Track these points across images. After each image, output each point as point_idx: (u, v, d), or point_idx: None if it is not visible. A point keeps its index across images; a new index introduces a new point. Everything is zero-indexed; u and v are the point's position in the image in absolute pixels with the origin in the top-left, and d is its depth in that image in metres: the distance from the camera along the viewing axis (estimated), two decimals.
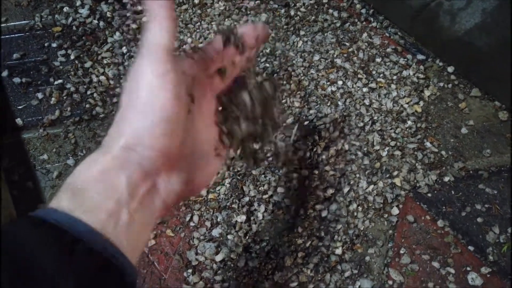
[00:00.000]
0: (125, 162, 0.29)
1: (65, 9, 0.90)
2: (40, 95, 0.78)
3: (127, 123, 0.30)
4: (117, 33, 0.86)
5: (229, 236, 0.66)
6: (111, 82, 0.80)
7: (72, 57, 0.83)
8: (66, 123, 0.76)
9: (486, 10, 0.73)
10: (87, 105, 0.78)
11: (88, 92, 0.79)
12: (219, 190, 0.70)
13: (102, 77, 0.80)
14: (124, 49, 0.84)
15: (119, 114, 0.31)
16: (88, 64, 0.82)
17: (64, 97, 0.79)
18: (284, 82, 0.80)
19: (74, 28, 0.88)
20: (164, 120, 0.30)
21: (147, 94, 0.31)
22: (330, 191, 0.69)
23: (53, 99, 0.78)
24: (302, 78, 0.81)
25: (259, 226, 0.66)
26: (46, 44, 0.85)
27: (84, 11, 0.89)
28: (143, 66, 0.31)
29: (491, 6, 0.73)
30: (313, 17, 0.90)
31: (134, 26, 0.87)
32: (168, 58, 0.31)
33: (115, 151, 0.29)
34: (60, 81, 0.80)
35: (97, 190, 0.27)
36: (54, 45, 0.85)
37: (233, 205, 0.68)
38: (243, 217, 0.67)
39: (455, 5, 0.77)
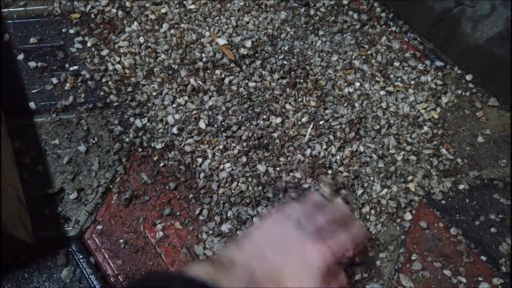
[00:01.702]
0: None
1: None
2: (54, 80, 0.78)
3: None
4: (135, 23, 0.86)
5: (239, 232, 0.65)
6: (127, 71, 0.79)
7: (88, 44, 0.83)
8: (79, 109, 0.75)
9: (510, 19, 0.72)
10: (101, 93, 0.77)
11: (103, 80, 0.78)
12: (229, 186, 0.69)
13: (118, 66, 0.80)
14: (141, 39, 0.83)
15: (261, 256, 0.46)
16: (104, 52, 0.82)
17: (79, 84, 0.78)
18: (301, 80, 0.79)
19: (92, 15, 0.87)
20: None
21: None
22: (343, 192, 0.68)
23: (67, 84, 0.77)
24: (320, 77, 0.80)
25: None
26: (63, 30, 0.85)
27: None
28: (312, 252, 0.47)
29: None
30: (333, 18, 0.89)
31: (152, 16, 0.86)
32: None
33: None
34: (75, 67, 0.80)
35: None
36: (71, 31, 0.85)
37: (244, 201, 0.67)
38: (252, 212, 0.66)
39: (478, 12, 0.76)
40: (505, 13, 0.73)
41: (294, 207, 0.53)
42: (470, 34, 0.79)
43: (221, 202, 0.67)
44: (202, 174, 0.70)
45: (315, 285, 0.45)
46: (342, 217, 0.53)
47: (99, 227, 0.64)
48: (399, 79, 0.82)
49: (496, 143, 0.76)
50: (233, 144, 0.72)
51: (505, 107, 0.80)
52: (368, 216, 0.67)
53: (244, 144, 0.72)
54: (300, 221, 0.50)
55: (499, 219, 0.69)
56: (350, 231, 0.51)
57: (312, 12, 0.90)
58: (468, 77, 0.83)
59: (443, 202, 0.70)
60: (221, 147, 0.71)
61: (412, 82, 0.81)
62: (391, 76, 0.82)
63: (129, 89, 0.77)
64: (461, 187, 0.71)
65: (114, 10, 0.88)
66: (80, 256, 0.62)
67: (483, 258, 0.65)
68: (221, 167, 0.70)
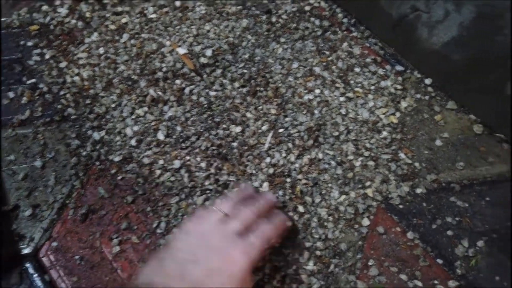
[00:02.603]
0: None
1: (44, 7, 0.89)
2: (11, 94, 0.77)
3: None
4: (95, 34, 0.85)
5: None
6: (86, 83, 0.79)
7: (47, 56, 0.82)
8: (36, 123, 0.74)
9: (463, 24, 0.74)
10: (59, 106, 0.76)
11: (61, 93, 0.78)
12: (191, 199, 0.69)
13: (76, 78, 0.79)
14: (101, 50, 0.83)
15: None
16: (63, 64, 0.81)
17: (36, 97, 0.77)
18: (261, 88, 0.79)
19: (51, 27, 0.86)
20: None
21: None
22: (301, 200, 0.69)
23: (24, 98, 0.77)
24: (280, 85, 0.80)
25: None
26: (21, 43, 0.84)
27: (63, 10, 0.88)
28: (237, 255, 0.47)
29: (467, 20, 0.73)
30: (294, 25, 0.89)
31: (113, 27, 0.86)
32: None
33: None
34: (33, 80, 0.79)
35: None
36: (29, 43, 0.84)
37: None
38: None
39: (433, 18, 0.77)
40: (458, 18, 0.74)
41: (222, 201, 0.55)
42: (427, 39, 0.80)
43: (180, 214, 0.67)
44: (160, 187, 0.69)
45: (239, 285, 0.46)
46: (267, 207, 0.57)
47: (54, 243, 0.64)
48: (359, 84, 0.82)
49: (453, 146, 0.77)
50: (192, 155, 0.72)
51: (463, 110, 0.82)
52: (326, 223, 0.67)
53: (203, 154, 0.72)
54: (226, 216, 0.52)
55: (456, 221, 0.70)
56: (273, 221, 0.55)
57: (274, 19, 0.90)
58: (428, 81, 0.84)
59: (401, 206, 0.71)
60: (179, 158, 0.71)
61: (372, 87, 0.82)
62: (351, 82, 0.82)
63: (88, 101, 0.77)
64: (418, 191, 0.72)
65: (74, 21, 0.87)
66: (35, 274, 0.61)
67: (439, 261, 0.66)
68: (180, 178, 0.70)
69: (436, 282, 0.64)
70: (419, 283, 0.64)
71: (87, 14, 0.88)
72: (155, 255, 0.50)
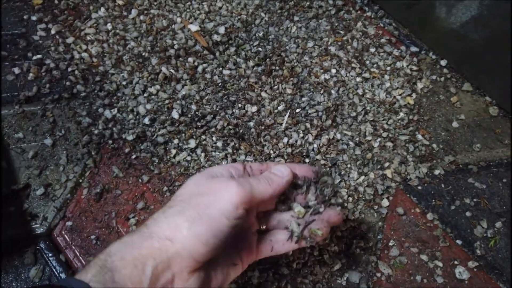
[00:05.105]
0: (158, 252, 0.37)
1: None
2: (16, 70, 0.74)
3: (179, 221, 0.38)
4: (102, 9, 0.82)
5: None
6: (94, 60, 0.76)
7: (53, 31, 0.79)
8: (44, 100, 0.71)
9: (484, 2, 0.72)
10: (68, 83, 0.73)
11: (69, 69, 0.75)
12: None
13: (84, 54, 0.76)
14: (109, 26, 0.80)
15: (174, 208, 0.40)
16: (70, 39, 0.78)
17: (43, 73, 0.74)
18: (277, 67, 0.77)
19: (56, 1, 0.83)
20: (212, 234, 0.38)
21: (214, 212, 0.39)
22: None
23: (31, 74, 0.73)
24: (295, 64, 0.79)
25: None
26: (25, 17, 0.80)
27: None
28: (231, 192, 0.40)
29: None
30: (308, 3, 0.87)
31: (120, 2, 0.83)
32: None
33: (156, 240, 0.37)
34: (39, 56, 0.76)
35: (124, 273, 0.35)
36: (34, 18, 0.80)
37: None
38: None
39: None
40: None
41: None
42: (445, 18, 0.79)
43: None
44: (176, 166, 0.67)
45: (229, 211, 0.40)
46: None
47: (69, 223, 0.61)
48: (375, 65, 0.81)
49: (470, 128, 0.77)
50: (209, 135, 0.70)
51: (479, 92, 0.81)
52: (346, 204, 0.66)
53: (220, 134, 0.70)
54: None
55: (474, 203, 0.69)
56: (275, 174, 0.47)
57: None
58: (443, 62, 0.83)
59: (419, 187, 0.70)
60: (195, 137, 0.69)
61: (388, 68, 0.81)
62: (367, 62, 0.81)
63: (97, 78, 0.74)
64: (436, 172, 0.72)
65: None
66: (49, 254, 0.59)
67: (459, 242, 0.66)
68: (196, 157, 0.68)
69: (456, 262, 0.64)
70: (440, 263, 0.64)
71: None
72: None
